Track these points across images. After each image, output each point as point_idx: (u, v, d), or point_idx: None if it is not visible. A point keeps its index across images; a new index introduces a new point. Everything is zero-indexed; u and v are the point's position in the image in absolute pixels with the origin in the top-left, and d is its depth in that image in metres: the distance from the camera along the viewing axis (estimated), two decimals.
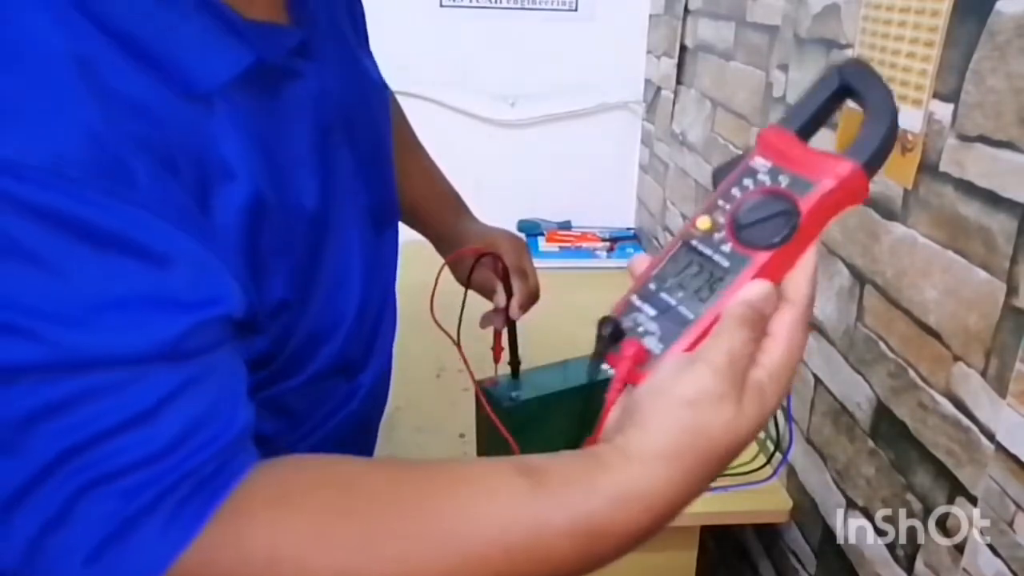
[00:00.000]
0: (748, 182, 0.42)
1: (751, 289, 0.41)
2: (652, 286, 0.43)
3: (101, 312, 0.39)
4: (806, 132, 0.43)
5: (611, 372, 0.45)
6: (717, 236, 0.42)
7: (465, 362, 0.85)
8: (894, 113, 0.41)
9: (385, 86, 0.74)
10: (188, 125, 0.44)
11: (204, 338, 0.42)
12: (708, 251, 0.42)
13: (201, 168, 0.45)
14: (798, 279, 0.42)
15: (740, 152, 1.14)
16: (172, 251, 0.41)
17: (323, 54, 0.58)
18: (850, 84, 0.43)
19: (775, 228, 0.40)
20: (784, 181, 0.41)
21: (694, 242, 0.43)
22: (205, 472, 0.41)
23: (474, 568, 0.41)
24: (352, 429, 0.67)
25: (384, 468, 0.46)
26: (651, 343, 0.42)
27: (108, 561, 0.39)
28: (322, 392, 0.62)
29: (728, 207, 0.42)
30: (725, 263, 0.41)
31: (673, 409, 0.41)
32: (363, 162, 0.63)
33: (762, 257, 0.41)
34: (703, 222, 0.43)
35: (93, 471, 0.38)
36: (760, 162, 0.43)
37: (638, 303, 0.44)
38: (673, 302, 0.42)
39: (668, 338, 0.42)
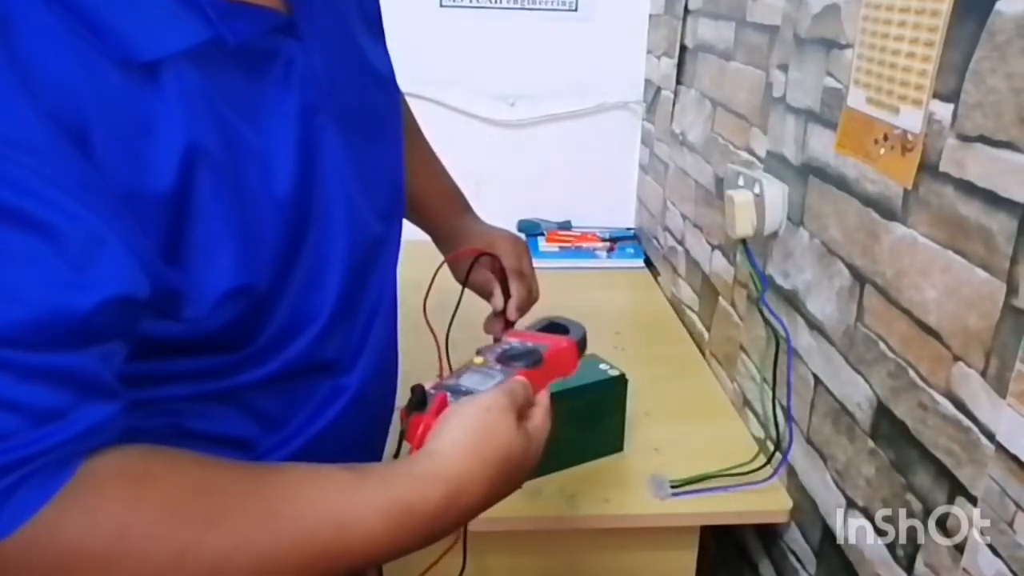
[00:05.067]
0: (507, 344, 0.70)
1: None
2: (449, 383, 0.63)
3: None
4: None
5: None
6: (489, 364, 0.66)
7: (441, 365, 0.84)
8: (583, 329, 0.73)
9: (393, 81, 0.71)
10: (118, 94, 0.43)
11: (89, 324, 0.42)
12: (485, 368, 0.66)
13: (125, 141, 0.44)
14: (538, 406, 0.62)
15: (739, 152, 1.14)
16: (54, 223, 0.40)
17: (314, 35, 0.56)
18: (555, 324, 0.75)
19: (527, 359, 0.67)
20: (531, 342, 0.71)
21: (475, 365, 0.66)
22: (52, 457, 0.41)
23: (304, 543, 0.47)
24: (342, 440, 0.64)
25: (232, 463, 0.50)
26: (452, 399, 0.60)
27: None
28: (296, 392, 0.60)
29: (495, 353, 0.68)
30: (498, 375, 0.64)
31: (470, 414, 0.56)
32: (358, 150, 0.61)
33: (519, 372, 0.65)
34: (479, 359, 0.67)
35: None
36: (514, 338, 0.72)
37: (443, 385, 0.62)
38: (467, 387, 0.62)
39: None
